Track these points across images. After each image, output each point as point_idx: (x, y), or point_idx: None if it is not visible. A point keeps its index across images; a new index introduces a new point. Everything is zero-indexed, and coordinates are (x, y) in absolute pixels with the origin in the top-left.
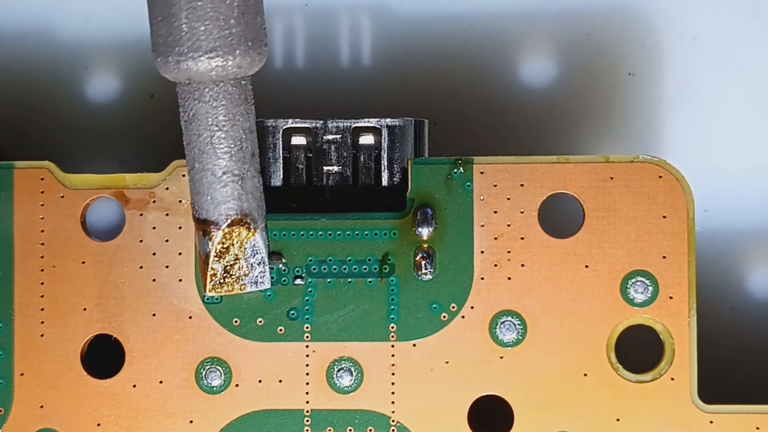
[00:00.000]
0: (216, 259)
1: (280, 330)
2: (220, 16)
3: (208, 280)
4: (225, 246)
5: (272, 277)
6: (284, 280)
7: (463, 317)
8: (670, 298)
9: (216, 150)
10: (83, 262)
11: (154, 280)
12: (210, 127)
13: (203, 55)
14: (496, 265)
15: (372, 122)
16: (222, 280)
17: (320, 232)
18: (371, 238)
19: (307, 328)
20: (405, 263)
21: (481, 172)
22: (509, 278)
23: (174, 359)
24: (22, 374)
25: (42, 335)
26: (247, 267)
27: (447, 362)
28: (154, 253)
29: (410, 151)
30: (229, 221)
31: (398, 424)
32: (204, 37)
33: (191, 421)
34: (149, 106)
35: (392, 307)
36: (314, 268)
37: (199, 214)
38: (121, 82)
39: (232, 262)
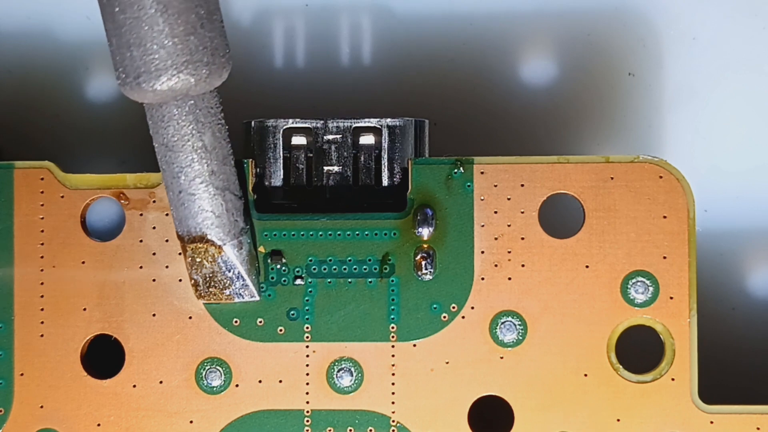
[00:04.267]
0: (193, 270)
1: (280, 330)
2: (142, 42)
3: (193, 290)
4: (198, 260)
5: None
6: (284, 281)
7: (463, 317)
8: (671, 298)
9: (171, 169)
10: (83, 262)
11: (154, 280)
12: (161, 147)
13: (133, 81)
14: (496, 266)
15: (372, 122)
16: (206, 291)
17: (320, 232)
18: (371, 238)
19: (307, 328)
20: (405, 263)
21: (482, 172)
22: (509, 278)
23: (174, 359)
24: (22, 374)
25: (42, 335)
26: (227, 280)
27: (447, 362)
28: (154, 253)
29: (410, 151)
30: (191, 237)
31: (398, 425)
32: (130, 63)
33: (191, 422)
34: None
35: (392, 307)
36: (314, 269)
37: (175, 227)
38: None
39: (210, 275)
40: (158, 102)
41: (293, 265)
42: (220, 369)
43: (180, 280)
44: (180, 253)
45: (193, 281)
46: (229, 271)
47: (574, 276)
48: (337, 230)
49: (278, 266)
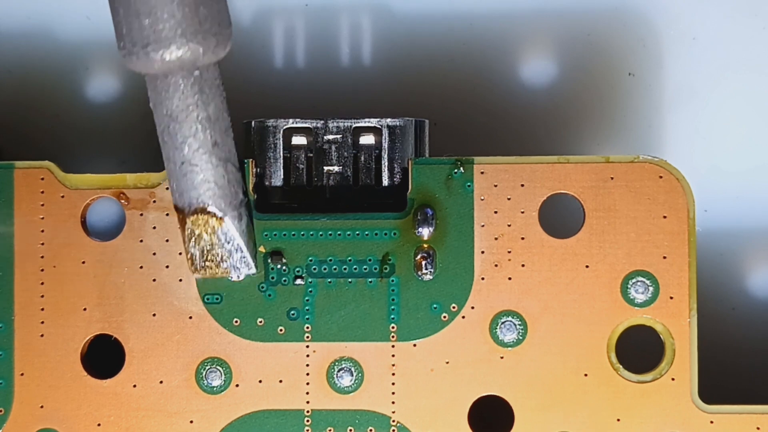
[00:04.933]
0: (191, 243)
1: (281, 330)
2: (152, 10)
3: (188, 263)
4: (197, 232)
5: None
6: (284, 281)
7: (463, 317)
8: (671, 298)
9: (173, 140)
10: (83, 262)
11: (154, 280)
12: (165, 117)
13: (141, 50)
14: (496, 265)
15: (372, 122)
16: (202, 264)
17: (320, 232)
18: (372, 238)
19: (307, 328)
20: (405, 263)
21: (482, 172)
22: (510, 278)
23: (174, 359)
24: (22, 374)
25: (42, 335)
26: (225, 253)
27: (447, 362)
28: (154, 253)
29: (411, 151)
30: (192, 209)
31: (398, 425)
32: (138, 32)
33: (191, 421)
34: (149, 106)
35: (393, 307)
36: (314, 268)
37: (173, 200)
38: (121, 82)
39: (208, 248)
40: (165, 72)
41: (293, 265)
42: (220, 369)
43: (180, 280)
44: (180, 253)
45: (189, 255)
46: (228, 243)
47: (574, 276)
48: (338, 230)
49: (278, 266)
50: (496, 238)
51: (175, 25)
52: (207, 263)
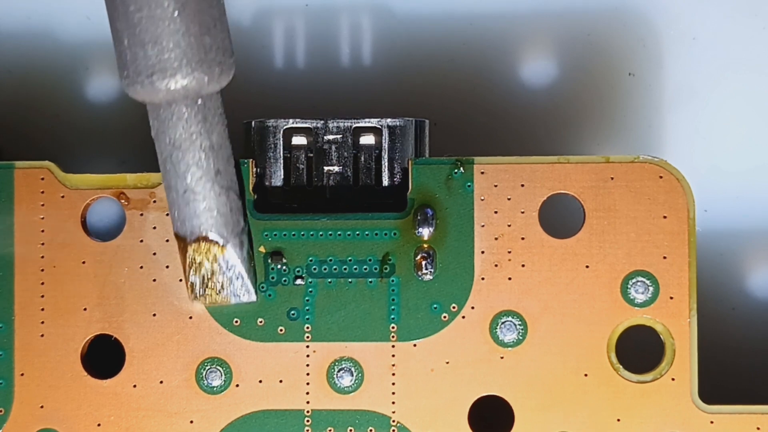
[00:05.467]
0: (191, 271)
1: (281, 330)
2: (158, 39)
3: (188, 290)
4: (198, 260)
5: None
6: (285, 280)
7: (463, 317)
8: (671, 298)
9: (176, 168)
10: (83, 262)
11: (154, 280)
12: (168, 146)
13: (146, 79)
14: (496, 266)
15: (372, 122)
16: (202, 292)
17: (321, 233)
18: (372, 238)
19: (307, 328)
20: (405, 263)
21: (482, 173)
22: (510, 278)
23: (174, 359)
24: (22, 374)
25: (42, 335)
26: (226, 280)
27: (447, 362)
28: (154, 253)
29: (411, 152)
30: (194, 237)
31: (399, 425)
32: (144, 61)
33: (191, 422)
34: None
35: (393, 307)
36: (315, 268)
37: (173, 227)
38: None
39: (209, 275)
40: (169, 101)
41: (293, 265)
42: (220, 369)
43: (180, 280)
44: None
45: (189, 283)
46: (229, 271)
47: (574, 276)
48: (338, 230)
49: (278, 266)
50: (496, 238)
51: (181, 54)
52: (207, 291)
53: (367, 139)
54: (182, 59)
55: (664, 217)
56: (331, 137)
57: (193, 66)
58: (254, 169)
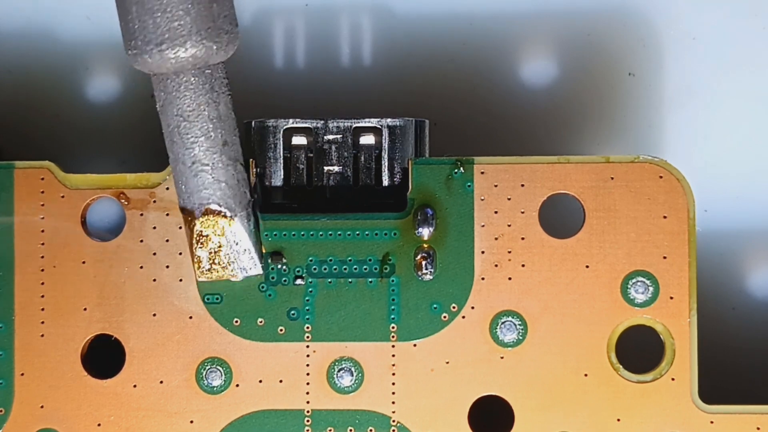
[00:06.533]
0: (198, 246)
1: (281, 330)
2: (167, 8)
3: (195, 266)
4: (205, 234)
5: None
6: (285, 280)
7: (463, 317)
8: (671, 298)
9: (183, 140)
10: (83, 262)
11: (154, 280)
12: (175, 117)
13: (154, 48)
14: (496, 266)
15: (372, 122)
16: (210, 267)
17: (321, 232)
18: (372, 238)
19: (307, 328)
20: (405, 263)
21: (482, 173)
22: (510, 278)
23: (174, 359)
24: (22, 374)
25: (42, 335)
26: (233, 254)
27: (447, 362)
28: (154, 253)
29: (411, 151)
30: (203, 210)
31: (399, 425)
32: (153, 30)
33: (192, 421)
34: (149, 106)
35: (393, 307)
36: (315, 268)
37: (179, 202)
38: (121, 82)
39: (216, 250)
40: (177, 70)
41: (293, 265)
42: (220, 369)
43: (180, 280)
44: (180, 253)
45: (196, 257)
46: (237, 244)
47: (575, 276)
48: (338, 230)
49: (278, 266)
50: (496, 238)
51: (190, 22)
52: (214, 265)
53: (367, 139)
54: (191, 27)
55: (664, 217)
56: (331, 137)
57: (202, 34)
58: (254, 169)
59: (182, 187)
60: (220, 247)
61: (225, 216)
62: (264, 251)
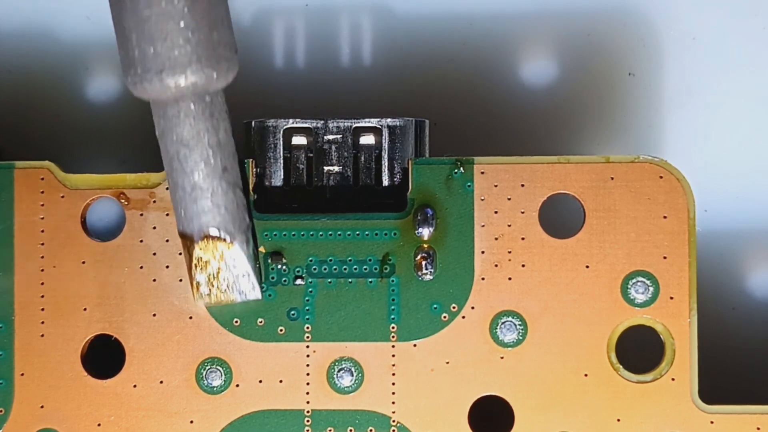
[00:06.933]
0: (197, 270)
1: (281, 330)
2: (166, 37)
3: (193, 290)
4: (205, 259)
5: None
6: (285, 281)
7: (463, 317)
8: (671, 298)
9: (183, 166)
10: (83, 262)
11: (154, 280)
12: (175, 143)
13: (155, 76)
14: (496, 266)
15: (372, 122)
16: (208, 291)
17: (321, 233)
18: (372, 238)
19: (307, 328)
20: (405, 263)
21: (482, 173)
22: (510, 278)
23: (174, 359)
24: (22, 374)
25: (42, 335)
26: (232, 278)
27: (447, 362)
28: (154, 253)
29: (411, 152)
30: (202, 235)
31: (399, 425)
32: (153, 58)
33: (192, 422)
34: (149, 106)
35: (393, 307)
36: (315, 269)
37: (178, 227)
38: (121, 82)
39: (215, 274)
40: (177, 98)
41: (293, 265)
42: (220, 369)
43: (180, 280)
44: (180, 253)
45: (195, 282)
46: (236, 268)
47: (574, 276)
48: (338, 230)
49: (278, 266)
50: (496, 238)
51: (191, 50)
52: (213, 290)
53: (367, 139)
54: (192, 55)
55: (664, 217)
56: (331, 137)
57: (202, 62)
58: (254, 169)
59: (182, 213)
60: (219, 271)
61: (224, 240)
62: (263, 251)
